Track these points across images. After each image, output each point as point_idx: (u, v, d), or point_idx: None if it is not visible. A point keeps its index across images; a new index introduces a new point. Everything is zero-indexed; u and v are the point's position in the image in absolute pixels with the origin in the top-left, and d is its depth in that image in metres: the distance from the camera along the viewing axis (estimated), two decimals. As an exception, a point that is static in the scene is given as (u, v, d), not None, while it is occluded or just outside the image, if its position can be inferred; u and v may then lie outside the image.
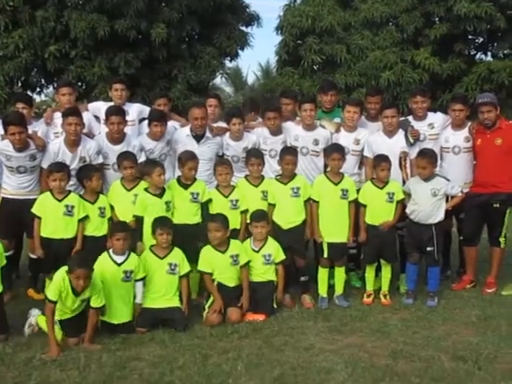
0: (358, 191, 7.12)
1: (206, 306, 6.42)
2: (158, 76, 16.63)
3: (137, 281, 6.19)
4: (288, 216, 6.97)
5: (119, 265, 6.08)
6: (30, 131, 6.88)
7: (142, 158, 7.07)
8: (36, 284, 6.94)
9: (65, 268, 5.65)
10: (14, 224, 6.75)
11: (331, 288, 7.06)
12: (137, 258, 6.22)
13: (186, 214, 6.82)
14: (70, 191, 6.62)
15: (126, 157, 6.80)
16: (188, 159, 6.87)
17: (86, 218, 6.56)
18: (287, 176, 6.99)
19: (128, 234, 6.16)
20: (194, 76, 16.55)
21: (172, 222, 6.49)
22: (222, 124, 7.67)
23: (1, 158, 6.81)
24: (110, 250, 6.16)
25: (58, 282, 5.64)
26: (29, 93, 16.21)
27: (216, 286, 6.47)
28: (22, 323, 6.03)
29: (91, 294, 5.76)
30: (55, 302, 5.62)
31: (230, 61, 19.20)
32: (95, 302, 5.80)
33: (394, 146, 7.25)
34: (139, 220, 6.62)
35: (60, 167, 6.55)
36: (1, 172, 7.02)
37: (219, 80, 25.62)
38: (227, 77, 21.96)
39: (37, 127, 7.29)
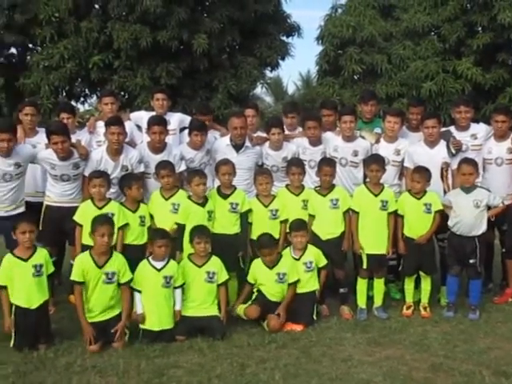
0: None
1: (242, 306, 6.51)
2: (199, 86, 16.75)
3: (176, 288, 6.22)
4: (327, 227, 6.94)
5: (159, 270, 6.13)
6: (73, 140, 6.99)
7: (182, 167, 7.15)
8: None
9: (85, 252, 6.01)
10: (56, 231, 6.84)
11: (370, 299, 7.00)
12: (176, 265, 6.26)
13: (225, 223, 6.85)
14: (110, 199, 6.71)
15: (163, 166, 6.85)
16: (221, 164, 6.92)
17: (126, 225, 6.62)
18: (326, 187, 6.97)
19: (168, 240, 6.23)
20: (235, 86, 16.63)
21: (209, 231, 6.51)
22: (262, 134, 7.69)
23: (45, 167, 6.94)
24: (150, 257, 6.22)
25: (80, 261, 6.00)
26: (73, 102, 16.52)
27: (257, 294, 6.54)
28: (63, 329, 6.14)
29: (117, 269, 5.95)
30: (82, 283, 5.90)
31: (271, 71, 19.25)
32: (123, 277, 5.99)
33: (435, 156, 7.17)
34: (181, 228, 6.67)
35: (99, 174, 6.67)
36: (45, 180, 7.16)
37: (259, 90, 25.69)
38: (267, 87, 22.00)
39: (80, 136, 7.42)
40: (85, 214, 6.57)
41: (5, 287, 5.84)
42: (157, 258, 6.17)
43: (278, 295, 6.55)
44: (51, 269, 6.08)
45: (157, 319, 6.06)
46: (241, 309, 6.50)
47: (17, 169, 6.71)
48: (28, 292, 5.83)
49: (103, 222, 6.06)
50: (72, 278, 5.99)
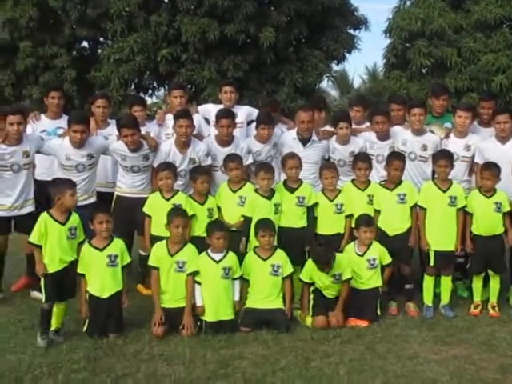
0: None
1: (308, 318, 6.40)
2: (266, 79, 16.77)
3: (234, 279, 6.27)
4: (394, 222, 6.85)
5: (218, 262, 6.18)
6: (143, 132, 7.12)
7: (249, 161, 7.17)
8: (145, 280, 7.13)
9: (163, 240, 6.25)
10: (127, 221, 6.96)
11: (437, 297, 6.88)
12: (234, 257, 6.29)
13: (292, 217, 6.83)
14: (177, 190, 6.79)
15: (231, 159, 6.89)
16: (287, 158, 6.90)
17: (193, 216, 6.69)
18: (393, 182, 6.88)
19: (227, 233, 6.28)
20: (301, 79, 16.58)
21: (274, 224, 6.50)
22: (329, 128, 7.63)
23: (116, 158, 7.10)
24: (209, 250, 6.26)
25: (156, 248, 6.27)
26: (141, 95, 16.79)
27: (314, 293, 6.48)
28: (132, 317, 6.29)
29: (187, 259, 6.13)
30: (158, 268, 6.17)
31: (337, 64, 19.12)
32: (190, 267, 6.13)
33: (507, 152, 6.99)
34: (248, 221, 6.70)
35: (165, 166, 6.75)
36: (115, 170, 7.32)
37: (325, 83, 25.59)
38: (333, 80, 21.87)
39: (149, 128, 7.55)
40: (153, 205, 6.70)
41: (83, 275, 6.00)
42: (215, 249, 6.22)
43: (335, 293, 6.47)
44: (127, 259, 6.20)
45: (215, 310, 6.11)
46: (308, 320, 6.36)
47: (89, 160, 6.90)
48: (102, 281, 5.98)
49: (178, 214, 6.23)
50: (149, 263, 6.25)
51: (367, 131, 7.52)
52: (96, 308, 5.94)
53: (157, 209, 6.63)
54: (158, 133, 7.61)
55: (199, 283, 6.16)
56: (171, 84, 11.70)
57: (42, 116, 7.61)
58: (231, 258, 6.26)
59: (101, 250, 6.01)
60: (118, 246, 6.12)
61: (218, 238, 6.19)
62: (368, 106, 7.99)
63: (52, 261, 5.84)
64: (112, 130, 7.31)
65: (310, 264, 6.47)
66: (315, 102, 8.26)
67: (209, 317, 6.11)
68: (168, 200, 6.66)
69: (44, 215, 5.90)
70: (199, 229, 6.67)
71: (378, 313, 6.51)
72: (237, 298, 6.27)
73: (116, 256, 6.05)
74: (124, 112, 12.01)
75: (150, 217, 6.70)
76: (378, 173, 7.21)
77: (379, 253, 6.64)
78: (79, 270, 6.00)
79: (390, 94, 13.54)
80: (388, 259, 6.68)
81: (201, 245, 6.36)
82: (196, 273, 6.15)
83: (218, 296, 6.15)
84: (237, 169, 6.83)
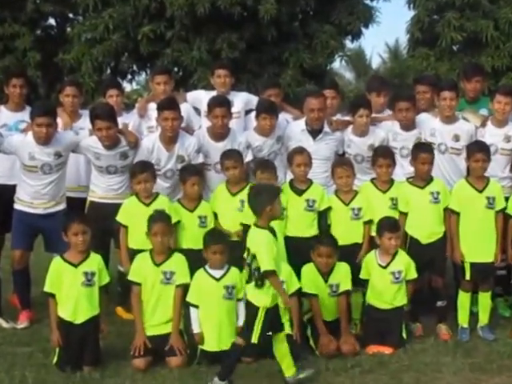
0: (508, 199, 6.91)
1: (309, 334, 6.44)
2: (267, 60, 16.77)
3: (239, 300, 6.22)
4: (428, 226, 6.85)
5: (218, 280, 6.15)
6: (120, 123, 7.08)
7: (248, 157, 7.15)
8: (125, 302, 7.03)
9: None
10: (101, 232, 6.91)
11: (474, 317, 6.89)
12: (238, 272, 6.24)
13: (300, 224, 6.84)
14: (157, 193, 6.75)
15: (228, 156, 6.86)
16: (295, 153, 6.90)
17: (178, 224, 6.66)
18: (423, 179, 6.86)
19: (226, 245, 6.22)
20: (309, 59, 16.57)
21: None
22: (342, 117, 7.62)
23: (88, 156, 7.06)
24: (207, 265, 6.24)
25: (138, 260, 6.27)
26: (119, 80, 16.79)
27: (310, 323, 6.51)
28: (110, 346, 6.26)
29: (176, 269, 6.14)
30: (139, 284, 6.16)
31: (352, 41, 19.11)
32: (179, 279, 6.13)
33: (555, 143, 7.01)
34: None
35: (143, 167, 6.68)
36: (89, 172, 7.28)
37: (338, 64, 25.59)
38: (348, 60, 21.88)
39: (128, 119, 7.54)
40: (130, 212, 6.67)
41: (53, 296, 5.98)
42: (213, 266, 6.20)
43: (334, 311, 6.52)
44: (106, 279, 6.19)
45: (217, 337, 6.08)
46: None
47: (57, 159, 6.88)
48: (75, 304, 5.96)
49: (155, 219, 6.21)
50: (129, 277, 6.21)
51: (389, 120, 7.52)
52: (68, 336, 5.91)
53: (134, 217, 6.57)
54: (139, 125, 7.58)
55: (196, 306, 6.14)
56: (154, 68, 11.76)
57: (2, 108, 7.61)
58: (234, 274, 6.21)
59: (75, 265, 6.00)
60: (95, 261, 6.11)
61: (214, 253, 6.15)
62: (390, 91, 7.97)
63: None
64: (84, 122, 7.31)
65: (306, 270, 6.50)
66: (327, 85, 8.27)
67: (209, 346, 6.08)
68: (148, 205, 6.61)
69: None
70: (188, 240, 6.66)
71: (404, 337, 6.51)
72: (241, 322, 6.15)
73: (93, 274, 6.03)
74: (98, 101, 11.99)
75: (125, 227, 6.68)
76: (403, 169, 7.20)
77: (405, 265, 6.61)
78: (47, 289, 5.98)
79: (414, 76, 13.52)
80: (413, 274, 6.64)
81: (192, 259, 6.33)
82: (186, 286, 6.13)
83: (220, 320, 6.12)
84: (234, 168, 6.80)
